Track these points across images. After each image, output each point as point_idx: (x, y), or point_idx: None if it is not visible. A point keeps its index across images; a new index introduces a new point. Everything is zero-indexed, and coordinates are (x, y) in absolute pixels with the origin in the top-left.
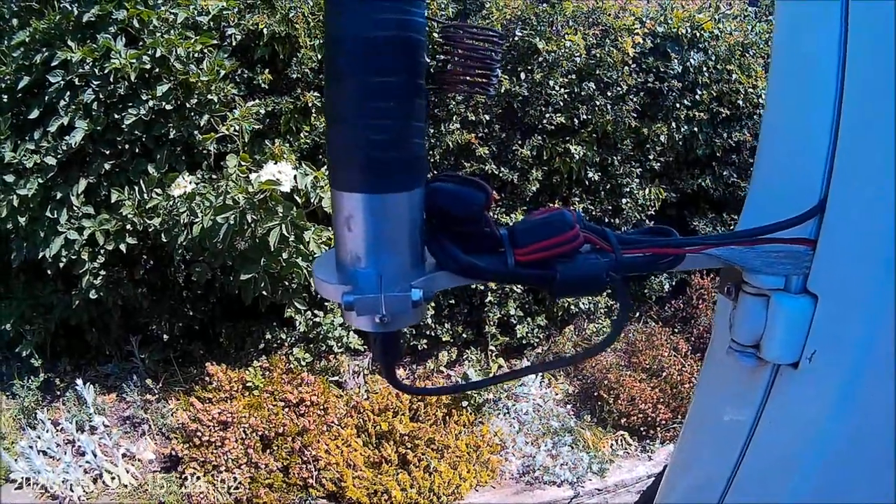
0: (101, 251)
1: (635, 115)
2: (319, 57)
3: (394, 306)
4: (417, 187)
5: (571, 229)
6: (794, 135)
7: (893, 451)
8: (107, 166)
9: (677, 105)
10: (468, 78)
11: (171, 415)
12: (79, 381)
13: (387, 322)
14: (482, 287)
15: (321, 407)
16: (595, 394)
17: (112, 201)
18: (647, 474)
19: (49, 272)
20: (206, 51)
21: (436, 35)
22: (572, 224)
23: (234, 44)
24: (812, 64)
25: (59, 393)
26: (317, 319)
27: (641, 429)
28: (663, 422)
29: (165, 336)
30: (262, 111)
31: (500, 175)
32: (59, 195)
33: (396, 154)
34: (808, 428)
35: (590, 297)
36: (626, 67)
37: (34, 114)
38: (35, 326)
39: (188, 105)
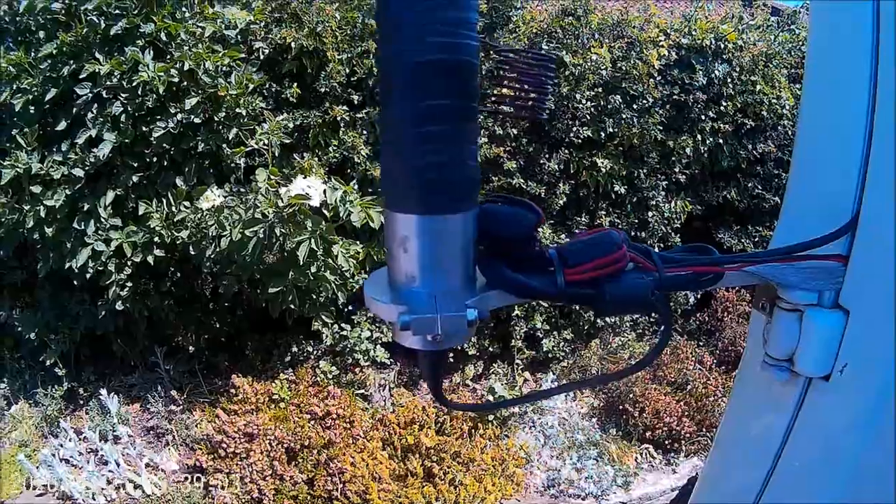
0: (129, 263)
1: (661, 128)
2: (348, 71)
3: (449, 326)
4: (471, 209)
5: (619, 249)
6: (827, 151)
7: None
8: (134, 178)
9: (702, 117)
10: (522, 101)
11: (196, 426)
12: (103, 391)
13: (440, 341)
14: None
15: (347, 420)
16: (620, 407)
17: (139, 214)
18: (671, 487)
19: (76, 283)
20: (234, 64)
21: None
22: (620, 244)
23: (261, 58)
24: (844, 76)
25: (82, 402)
26: (343, 333)
27: (666, 442)
28: (688, 435)
29: (191, 347)
30: (291, 125)
31: (528, 189)
32: (86, 207)
33: (451, 176)
34: (839, 441)
35: None
36: (652, 80)
37: (61, 125)
38: (60, 336)
39: (216, 119)
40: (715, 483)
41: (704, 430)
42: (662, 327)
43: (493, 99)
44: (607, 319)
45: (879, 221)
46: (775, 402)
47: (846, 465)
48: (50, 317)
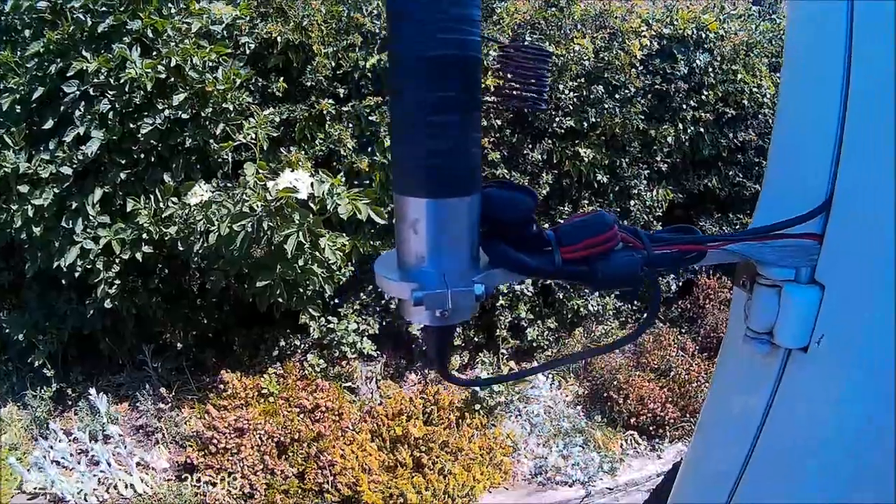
0: (117, 260)
1: (643, 117)
2: (333, 65)
3: (458, 301)
4: (475, 193)
5: (610, 229)
6: (803, 138)
7: None
8: (122, 176)
9: (684, 106)
10: (523, 93)
11: (185, 423)
12: (92, 391)
13: (447, 316)
14: (494, 291)
15: (336, 412)
16: (605, 394)
17: (127, 211)
18: (656, 472)
19: (64, 282)
20: (220, 60)
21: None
22: (611, 225)
23: (247, 52)
24: (819, 69)
25: (70, 403)
26: (331, 326)
27: (650, 428)
28: (672, 420)
29: (179, 344)
30: (277, 119)
31: (512, 179)
32: (74, 205)
33: (457, 163)
34: (818, 412)
35: (598, 300)
36: (634, 70)
37: (48, 124)
38: (48, 336)
39: (203, 114)
40: (697, 465)
41: (688, 415)
42: (650, 302)
43: (495, 91)
44: (590, 307)
45: (851, 202)
46: (756, 377)
47: (825, 438)
48: (38, 317)
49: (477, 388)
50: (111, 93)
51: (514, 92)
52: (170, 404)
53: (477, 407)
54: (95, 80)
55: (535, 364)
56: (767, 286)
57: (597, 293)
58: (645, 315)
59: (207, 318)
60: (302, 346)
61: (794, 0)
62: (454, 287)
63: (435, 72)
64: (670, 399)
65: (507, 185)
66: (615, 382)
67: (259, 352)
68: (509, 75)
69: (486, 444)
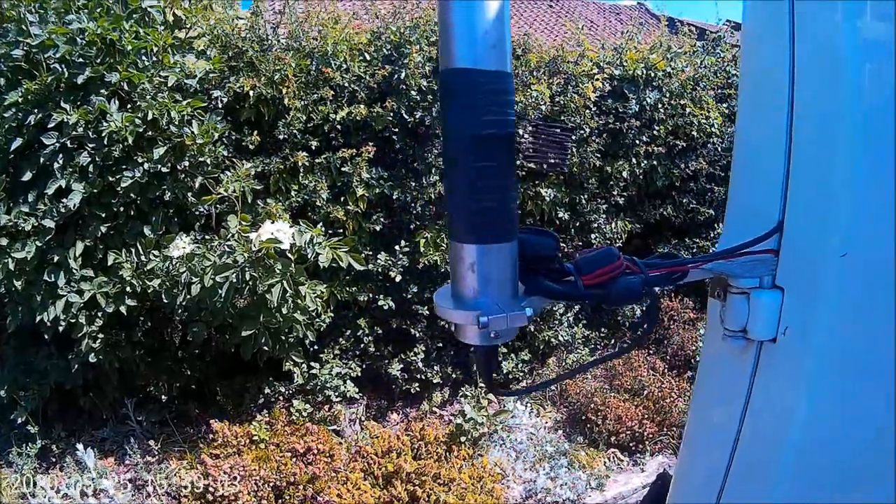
0: (100, 314)
1: (598, 155)
2: (305, 118)
3: (514, 322)
4: (514, 238)
5: (618, 259)
6: (756, 168)
7: (867, 417)
8: (103, 229)
9: (636, 142)
10: (549, 158)
11: (175, 475)
12: (79, 446)
13: (499, 336)
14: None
15: (327, 454)
16: (583, 417)
17: (108, 264)
18: (641, 485)
19: (46, 336)
20: (196, 113)
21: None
22: (618, 256)
23: (220, 106)
24: (767, 106)
25: (55, 460)
26: (313, 371)
27: (631, 444)
28: (650, 435)
29: (164, 397)
30: (253, 172)
31: None
32: (56, 258)
33: (501, 216)
34: (789, 398)
35: (567, 330)
36: (588, 111)
37: (27, 176)
38: (29, 393)
39: (179, 167)
40: (685, 477)
41: (665, 429)
42: (650, 312)
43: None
44: (560, 338)
45: (799, 223)
46: (735, 371)
47: (796, 427)
48: (17, 373)
49: (461, 422)
50: (90, 145)
51: (544, 156)
52: (157, 457)
53: (462, 439)
54: (74, 133)
55: (512, 397)
56: (738, 294)
57: (565, 324)
58: (644, 325)
59: (190, 369)
60: (286, 392)
61: (744, 31)
62: (510, 311)
63: (482, 147)
64: (646, 416)
65: (535, 231)
66: (592, 405)
67: (243, 400)
68: (540, 143)
69: (475, 473)
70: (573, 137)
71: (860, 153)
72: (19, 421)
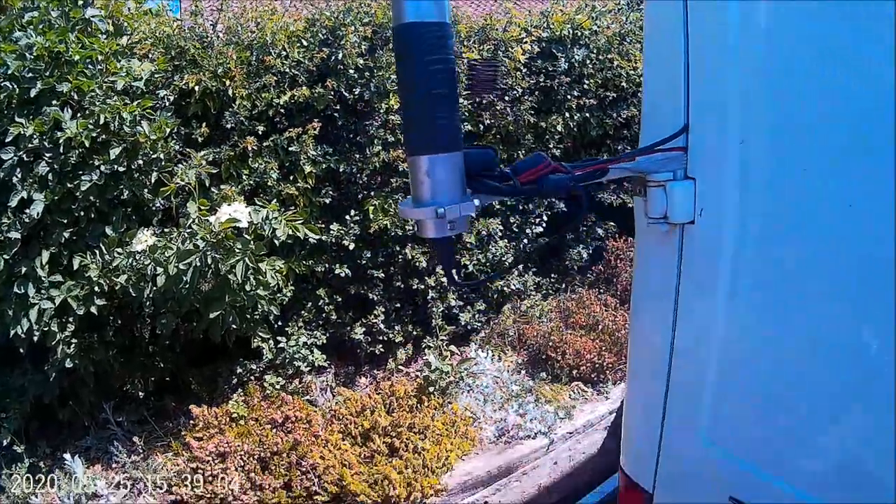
0: (71, 319)
1: (532, 113)
2: (249, 105)
3: (463, 211)
4: (461, 150)
5: (545, 160)
6: (663, 88)
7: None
8: (66, 234)
9: (568, 97)
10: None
11: (163, 468)
12: (66, 456)
13: (455, 227)
14: (422, 286)
15: (305, 421)
16: (544, 356)
17: (75, 268)
18: (608, 411)
19: (21, 350)
20: (146, 113)
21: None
22: (546, 159)
23: (167, 104)
24: (669, 41)
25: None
26: (281, 345)
27: (592, 375)
28: (610, 365)
29: (140, 394)
30: (205, 162)
31: None
32: (24, 270)
33: (449, 130)
34: (713, 272)
35: (518, 279)
36: (519, 73)
37: None
38: (11, 413)
39: (134, 167)
40: (632, 400)
41: (623, 359)
42: (580, 203)
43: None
44: (513, 286)
45: (701, 123)
46: (664, 252)
47: (717, 302)
48: None
49: (428, 374)
50: (48, 155)
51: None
52: (142, 454)
53: (431, 389)
54: (31, 145)
55: (473, 346)
56: (656, 187)
57: (515, 273)
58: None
59: (163, 362)
60: (257, 369)
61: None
62: (461, 203)
63: (432, 78)
64: (604, 348)
65: (477, 146)
66: (550, 344)
67: (217, 385)
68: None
69: (447, 419)
70: (502, 69)
71: (744, 65)
72: (4, 443)
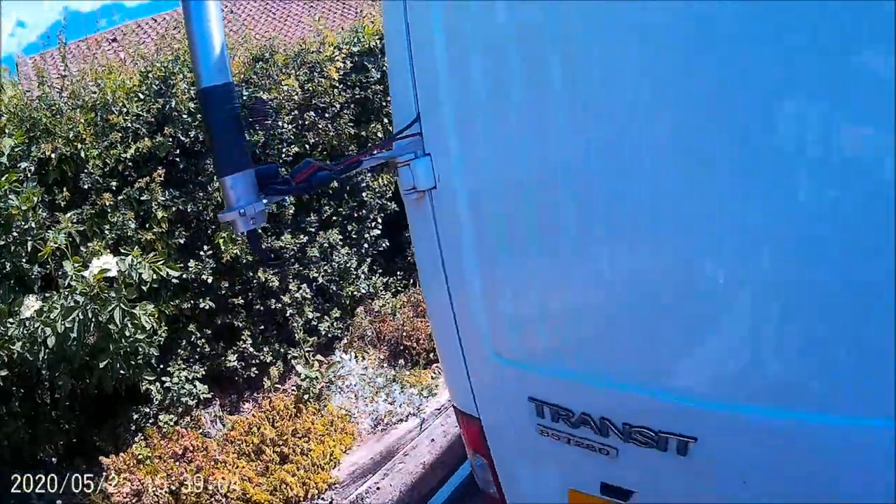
0: None
1: (352, 124)
2: (101, 164)
3: (258, 208)
4: (251, 168)
5: (311, 164)
6: (401, 89)
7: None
8: None
9: (384, 104)
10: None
11: None
12: None
13: (255, 222)
14: (279, 304)
15: (202, 449)
16: (401, 347)
17: None
18: None
19: None
20: (13, 186)
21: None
22: (312, 162)
23: (29, 175)
24: (398, 53)
25: None
26: (167, 385)
27: None
28: None
29: (53, 459)
30: (70, 224)
31: None
32: None
33: (244, 156)
34: (458, 221)
35: (367, 283)
36: (335, 89)
37: None
38: None
39: (10, 239)
40: (440, 343)
41: None
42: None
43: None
44: (362, 289)
45: (426, 113)
46: (424, 218)
47: (463, 240)
48: None
49: (300, 383)
50: None
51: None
52: None
53: (306, 397)
54: None
55: (337, 352)
56: (403, 166)
57: (362, 278)
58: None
59: (67, 424)
60: (151, 412)
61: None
62: (256, 202)
63: (226, 124)
64: None
65: (265, 164)
66: (405, 334)
67: (119, 435)
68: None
69: (326, 420)
70: (271, 105)
71: (447, 71)
72: None
